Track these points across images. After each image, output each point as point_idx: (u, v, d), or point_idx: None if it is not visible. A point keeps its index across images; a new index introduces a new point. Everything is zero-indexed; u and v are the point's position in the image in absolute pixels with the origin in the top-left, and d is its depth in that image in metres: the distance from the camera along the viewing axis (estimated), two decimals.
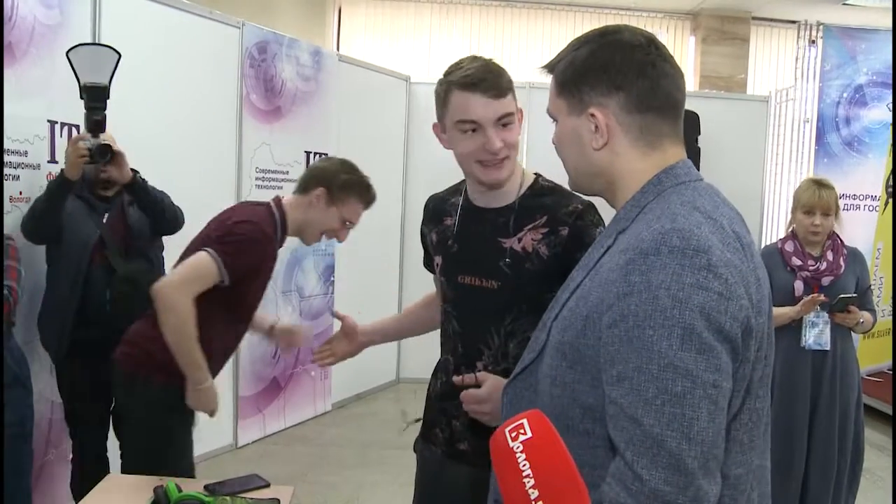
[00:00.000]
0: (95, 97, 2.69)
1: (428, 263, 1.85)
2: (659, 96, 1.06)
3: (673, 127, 1.09)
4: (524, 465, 0.83)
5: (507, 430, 0.86)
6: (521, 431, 0.85)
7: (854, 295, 2.92)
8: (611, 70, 1.05)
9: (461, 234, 1.67)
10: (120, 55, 2.78)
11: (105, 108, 2.71)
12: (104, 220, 2.82)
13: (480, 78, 1.51)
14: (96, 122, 2.68)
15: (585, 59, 1.07)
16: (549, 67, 1.14)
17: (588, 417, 0.99)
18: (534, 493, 0.81)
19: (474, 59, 1.57)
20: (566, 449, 0.85)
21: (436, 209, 1.78)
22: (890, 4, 6.33)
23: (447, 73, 1.59)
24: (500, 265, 1.59)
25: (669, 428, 0.87)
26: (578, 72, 1.07)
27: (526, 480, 0.82)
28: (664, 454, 0.86)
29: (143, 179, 2.87)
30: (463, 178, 1.73)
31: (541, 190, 1.64)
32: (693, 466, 0.86)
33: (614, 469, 0.91)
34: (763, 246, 3.41)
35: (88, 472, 2.76)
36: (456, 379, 1.52)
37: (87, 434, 2.91)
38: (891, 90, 6.27)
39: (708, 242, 0.93)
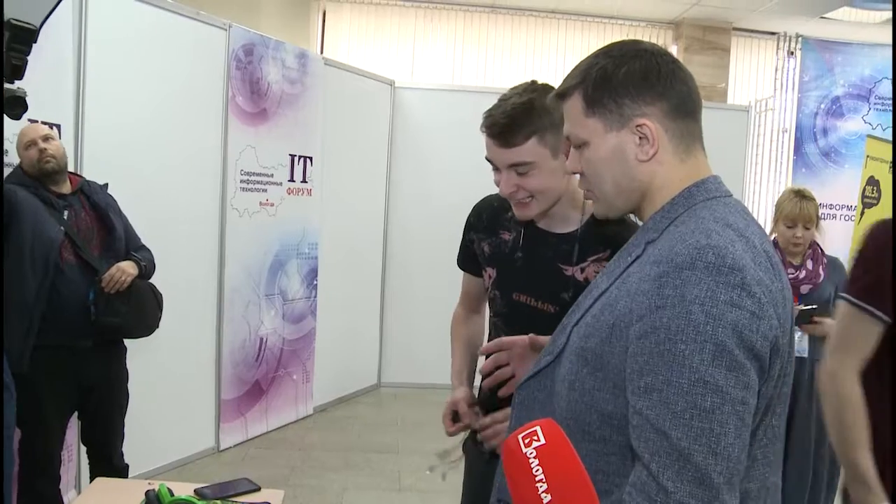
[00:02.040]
0: (20, 38, 2.31)
1: (467, 265, 1.84)
2: (693, 99, 1.08)
3: (700, 130, 1.10)
4: (537, 471, 0.85)
5: (520, 436, 0.88)
6: (535, 438, 0.87)
7: (815, 307, 2.93)
8: (651, 78, 1.05)
9: (522, 253, 1.67)
10: None
11: (28, 54, 2.35)
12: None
13: (492, 124, 1.52)
14: (15, 67, 2.32)
15: (621, 71, 1.05)
16: (563, 93, 1.12)
17: (605, 424, 0.99)
18: (546, 498, 0.83)
19: (518, 93, 1.53)
20: (578, 456, 0.87)
21: (490, 220, 1.75)
22: (864, 19, 6.45)
23: None
24: (561, 292, 1.60)
25: (697, 442, 0.88)
26: (617, 85, 1.05)
27: (539, 485, 0.84)
28: (690, 468, 0.87)
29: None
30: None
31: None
32: (718, 481, 0.88)
33: (636, 479, 0.92)
34: None
35: None
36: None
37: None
38: (866, 102, 6.40)
39: (742, 261, 0.94)
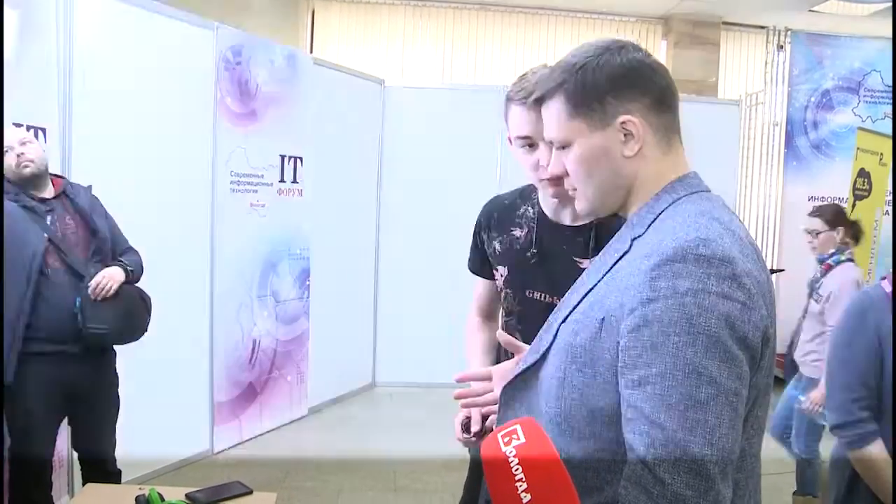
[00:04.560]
0: None
1: (478, 268, 1.80)
2: (672, 93, 1.09)
3: (678, 123, 1.11)
4: (517, 470, 0.84)
5: (499, 435, 0.87)
6: (515, 437, 0.86)
7: None
8: (631, 74, 1.05)
9: (535, 249, 1.63)
10: None
11: None
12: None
13: (528, 94, 1.45)
14: None
15: (602, 70, 1.06)
16: (543, 97, 1.11)
17: (595, 420, 0.99)
18: (526, 497, 0.82)
19: (540, 68, 1.50)
20: (558, 455, 0.86)
21: (501, 218, 1.71)
22: (852, 12, 6.46)
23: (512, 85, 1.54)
24: None
25: (692, 433, 0.88)
26: (599, 85, 1.05)
27: (518, 485, 0.83)
28: (686, 459, 0.88)
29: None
30: (526, 182, 1.67)
31: None
32: (714, 472, 0.88)
33: (630, 473, 0.92)
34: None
35: None
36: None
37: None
38: (855, 95, 6.41)
39: (731, 253, 0.94)
